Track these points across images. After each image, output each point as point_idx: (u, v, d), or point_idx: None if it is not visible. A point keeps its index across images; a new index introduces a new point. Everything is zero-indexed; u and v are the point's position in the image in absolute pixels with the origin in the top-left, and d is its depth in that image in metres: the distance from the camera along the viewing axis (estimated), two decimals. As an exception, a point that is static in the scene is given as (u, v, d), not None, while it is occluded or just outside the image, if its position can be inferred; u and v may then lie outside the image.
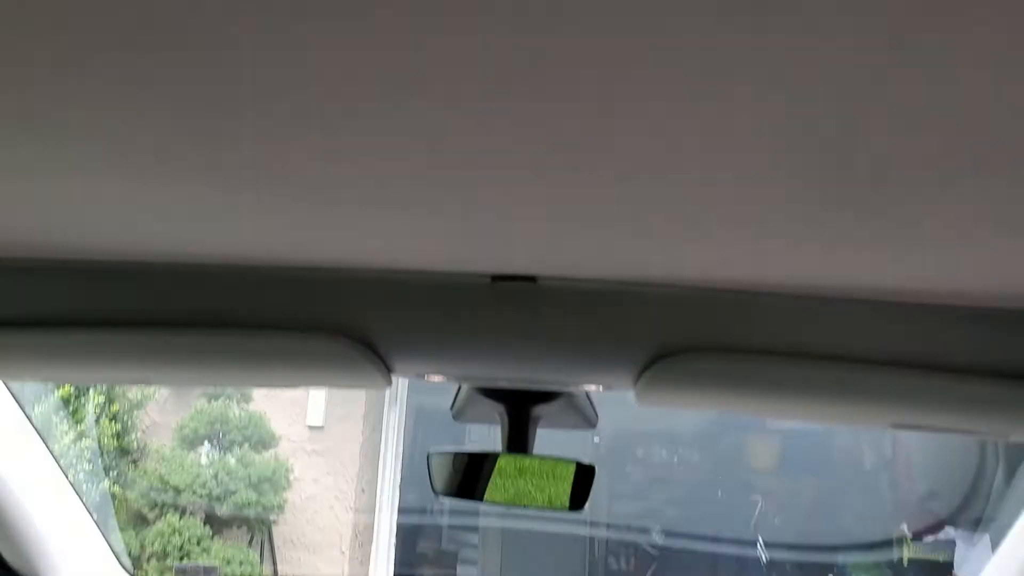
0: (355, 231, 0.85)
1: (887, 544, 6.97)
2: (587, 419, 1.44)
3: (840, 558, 6.95)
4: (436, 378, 1.18)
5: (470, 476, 1.32)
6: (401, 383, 6.58)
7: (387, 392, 6.50)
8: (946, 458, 6.82)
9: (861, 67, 0.46)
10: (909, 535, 6.74)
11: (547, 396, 1.31)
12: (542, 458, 1.28)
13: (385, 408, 6.41)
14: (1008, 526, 1.71)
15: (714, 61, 0.46)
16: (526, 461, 1.29)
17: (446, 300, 1.00)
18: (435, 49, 0.48)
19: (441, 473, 1.33)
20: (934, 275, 0.84)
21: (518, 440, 1.30)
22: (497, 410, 1.33)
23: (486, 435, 4.92)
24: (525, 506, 1.30)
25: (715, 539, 7.27)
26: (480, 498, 1.31)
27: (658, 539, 7.47)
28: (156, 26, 0.47)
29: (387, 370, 1.11)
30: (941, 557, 6.23)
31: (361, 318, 1.02)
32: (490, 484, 1.30)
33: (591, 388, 1.19)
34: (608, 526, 7.97)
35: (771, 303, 0.94)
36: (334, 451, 6.07)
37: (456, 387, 1.44)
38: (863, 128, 0.53)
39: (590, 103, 0.53)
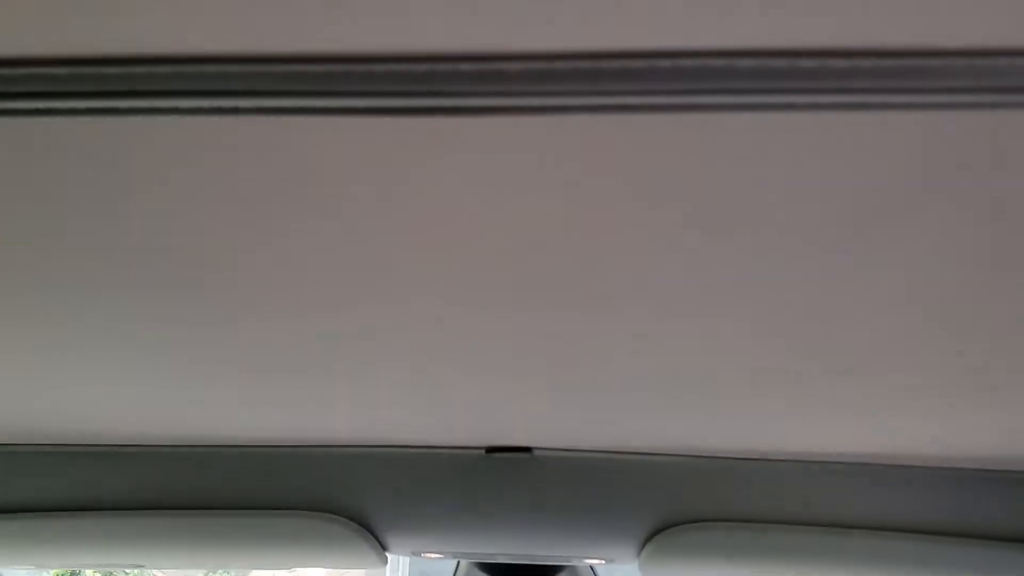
0: (348, 409, 0.85)
1: None
2: (590, 593, 1.39)
3: None
4: (432, 555, 1.15)
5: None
6: (403, 564, 6.37)
7: (387, 569, 6.29)
8: None
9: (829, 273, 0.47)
10: None
11: (549, 571, 1.27)
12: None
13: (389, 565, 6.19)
14: None
15: (699, 279, 0.48)
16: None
17: (441, 474, 0.99)
18: (421, 249, 0.49)
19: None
20: (938, 440, 0.84)
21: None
22: (496, 586, 1.29)
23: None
24: None
25: None
26: None
27: None
28: (154, 263, 0.49)
29: (382, 548, 1.08)
30: None
31: (354, 496, 1.01)
32: None
33: (593, 561, 1.15)
34: None
35: (775, 471, 0.93)
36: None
37: (455, 564, 1.40)
38: (852, 312, 0.54)
39: (585, 293, 0.55)
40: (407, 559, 6.37)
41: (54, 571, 4.87)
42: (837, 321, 0.57)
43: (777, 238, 0.46)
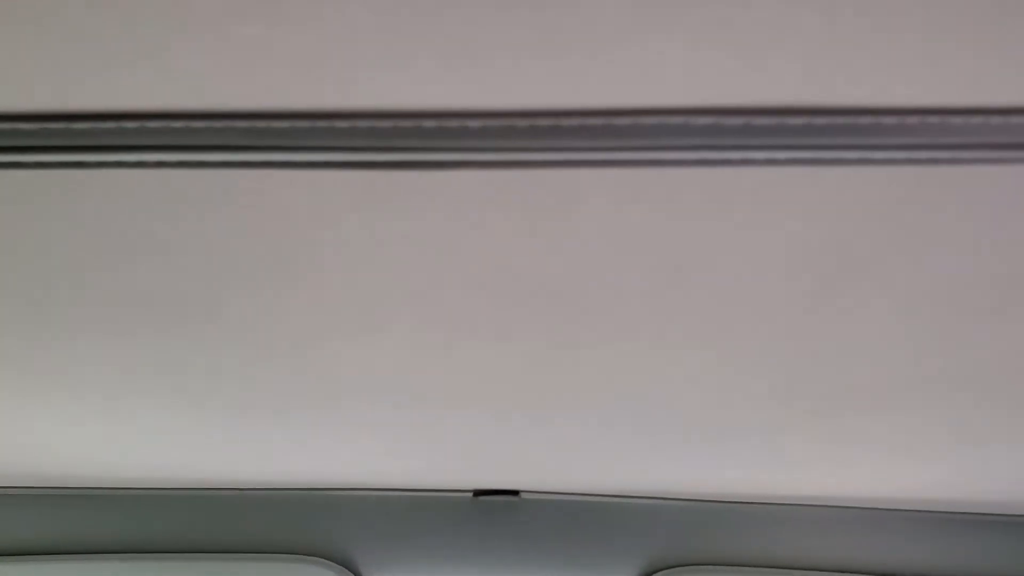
0: (334, 452, 0.85)
1: None
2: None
3: None
4: (420, 597, 1.14)
5: None
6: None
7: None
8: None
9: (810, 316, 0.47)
10: None
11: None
12: None
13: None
14: None
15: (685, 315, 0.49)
16: None
17: (428, 518, 0.99)
18: (403, 296, 0.50)
19: None
20: (927, 484, 0.83)
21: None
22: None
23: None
24: None
25: None
26: None
27: None
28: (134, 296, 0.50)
29: None
30: None
31: (341, 540, 1.00)
32: None
33: (581, 607, 1.13)
34: None
35: (764, 515, 0.93)
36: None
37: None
38: (828, 359, 0.55)
39: (565, 337, 0.55)
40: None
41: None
42: (813, 368, 0.57)
43: (749, 286, 0.46)
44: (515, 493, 0.97)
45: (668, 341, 0.54)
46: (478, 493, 0.97)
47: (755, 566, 0.95)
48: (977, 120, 0.32)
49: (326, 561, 1.00)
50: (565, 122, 0.33)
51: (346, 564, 1.01)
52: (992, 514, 0.90)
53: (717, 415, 0.67)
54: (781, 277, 0.45)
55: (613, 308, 0.50)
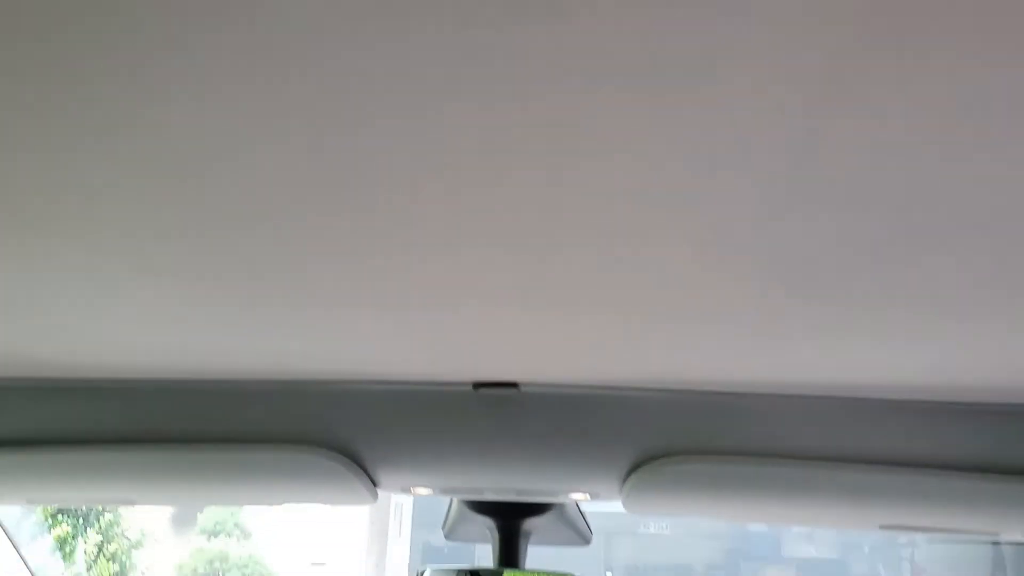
0: (336, 343, 0.85)
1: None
2: (580, 534, 1.41)
3: None
4: (422, 491, 1.17)
5: (461, 595, 1.28)
6: (405, 518, 6.45)
7: (390, 528, 6.36)
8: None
9: (813, 137, 0.47)
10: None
11: (537, 509, 1.29)
12: (536, 573, 1.25)
13: (389, 544, 6.27)
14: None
15: (677, 150, 0.49)
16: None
17: (429, 409, 0.99)
18: (404, 182, 0.51)
19: (432, 592, 1.29)
20: (917, 370, 0.83)
21: (509, 555, 1.27)
22: (487, 525, 1.31)
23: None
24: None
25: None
26: None
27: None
28: (151, 152, 0.50)
29: (372, 483, 1.09)
30: None
31: (344, 430, 1.01)
32: None
33: (578, 497, 1.17)
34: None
35: (756, 404, 0.93)
36: (336, 588, 5.90)
37: (447, 506, 1.42)
38: (829, 208, 0.54)
39: (560, 225, 0.55)
40: (408, 521, 6.43)
41: (55, 531, 4.93)
42: (794, 244, 0.57)
43: (731, 154, 0.46)
44: (514, 385, 0.97)
45: (656, 223, 0.54)
46: (477, 386, 0.98)
47: (752, 455, 0.96)
48: None
49: (329, 451, 1.02)
50: None
51: (348, 455, 1.02)
52: (990, 403, 0.91)
53: (730, 292, 0.67)
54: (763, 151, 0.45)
55: (607, 191, 0.51)
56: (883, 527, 1.11)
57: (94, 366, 0.94)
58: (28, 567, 1.81)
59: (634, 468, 1.00)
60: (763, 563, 7.57)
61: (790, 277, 0.64)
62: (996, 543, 6.37)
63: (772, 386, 0.90)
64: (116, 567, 5.32)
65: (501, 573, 1.26)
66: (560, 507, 1.33)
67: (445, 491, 1.20)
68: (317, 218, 0.57)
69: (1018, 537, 1.09)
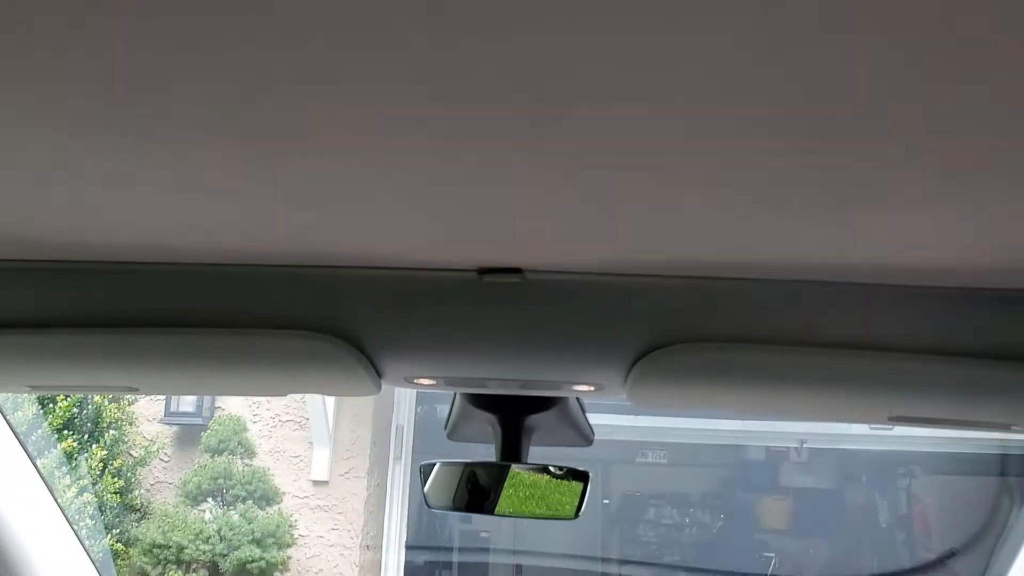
0: (339, 227, 0.84)
1: (904, 602, 6.81)
2: (582, 434, 1.42)
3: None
4: (425, 382, 1.17)
5: (465, 488, 1.29)
6: (406, 436, 6.52)
7: (392, 447, 6.44)
8: (963, 515, 6.70)
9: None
10: (926, 593, 6.58)
11: (540, 405, 1.29)
12: (537, 467, 1.26)
13: (390, 463, 6.35)
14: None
15: (689, 40, 0.47)
16: (522, 471, 1.27)
17: (433, 295, 0.98)
18: (419, 48, 0.49)
19: (434, 485, 1.30)
20: (926, 252, 0.81)
21: (512, 450, 1.28)
22: (490, 421, 1.31)
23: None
24: (525, 516, 1.27)
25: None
26: (477, 510, 1.29)
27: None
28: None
29: (376, 372, 1.09)
30: (959, 614, 6.08)
31: (348, 316, 1.00)
32: (488, 495, 1.27)
33: (582, 389, 1.17)
34: (621, 561, 7.83)
35: (763, 290, 0.91)
36: (338, 506, 5.99)
37: (449, 404, 1.42)
38: (845, 78, 0.52)
39: (575, 90, 0.54)
40: (410, 440, 6.51)
41: (61, 445, 5.00)
42: (796, 109, 0.55)
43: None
44: (518, 271, 0.96)
45: (662, 91, 0.53)
46: (482, 272, 0.97)
47: (759, 343, 0.95)
48: None
49: (332, 338, 1.01)
50: None
51: (352, 341, 1.02)
52: (1004, 288, 0.89)
53: (738, 171, 0.65)
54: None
55: (610, 60, 0.49)
56: (892, 418, 1.11)
57: (97, 248, 0.92)
58: (41, 476, 1.84)
59: (639, 357, 1.00)
60: (759, 492, 7.67)
61: (791, 151, 0.61)
62: (1000, 475, 6.43)
63: (779, 271, 0.88)
64: (121, 482, 5.41)
65: (507, 467, 1.27)
66: (563, 404, 1.33)
67: (448, 383, 1.20)
68: (317, 88, 0.56)
69: (1030, 426, 1.08)
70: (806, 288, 0.91)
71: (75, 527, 1.98)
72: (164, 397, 5.97)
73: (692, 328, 0.96)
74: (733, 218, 0.76)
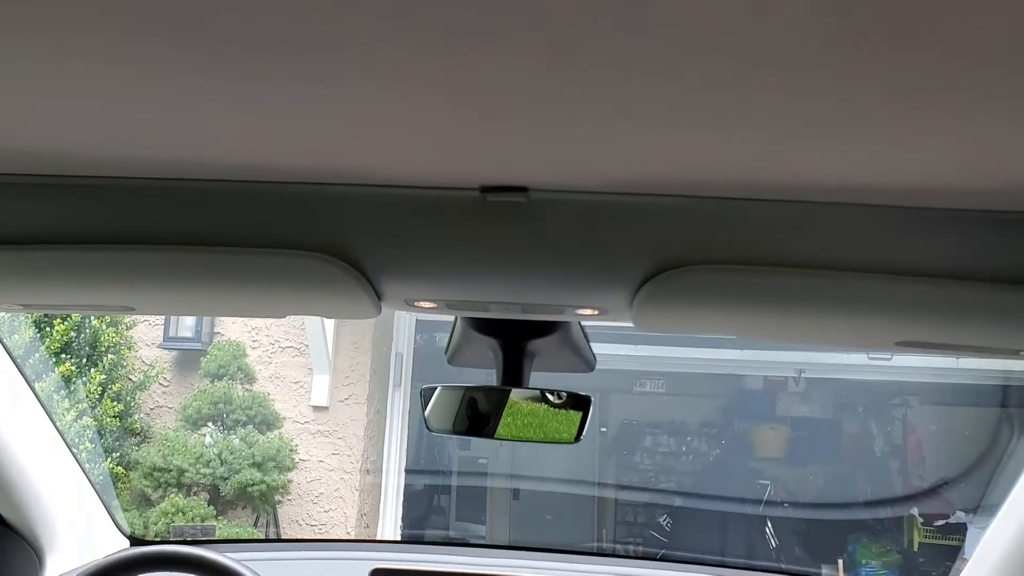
0: (339, 144, 0.81)
1: (897, 528, 6.93)
2: (584, 360, 1.40)
3: (849, 541, 6.91)
4: (426, 305, 1.14)
5: (465, 412, 1.28)
6: (406, 364, 6.56)
7: (391, 374, 6.48)
8: (959, 445, 6.78)
9: None
10: (920, 519, 6.70)
11: (542, 330, 1.27)
12: (538, 391, 1.24)
13: (390, 389, 6.40)
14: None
15: None
16: (523, 396, 1.25)
17: (434, 215, 0.95)
18: None
19: (435, 409, 1.29)
20: (935, 172, 0.79)
21: (513, 374, 1.26)
22: (491, 346, 1.29)
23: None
24: (526, 440, 1.27)
25: (723, 524, 7.24)
26: (477, 433, 1.28)
27: (666, 525, 7.45)
28: None
29: (376, 294, 1.07)
30: (952, 541, 6.19)
31: (346, 235, 0.98)
32: (489, 419, 1.26)
33: (586, 313, 1.14)
34: (618, 491, 7.96)
35: (772, 212, 0.89)
36: (339, 431, 6.05)
37: (450, 330, 1.40)
38: None
39: (567, 19, 0.53)
40: (409, 368, 6.55)
41: (60, 368, 5.02)
42: (797, 27, 0.53)
43: None
44: (523, 190, 0.93)
45: None
46: (485, 190, 0.94)
47: (767, 265, 0.93)
48: None
49: (331, 258, 0.98)
50: None
51: (351, 262, 0.99)
52: (1015, 210, 0.87)
53: (746, 85, 0.63)
54: None
55: None
56: (900, 343, 1.09)
57: (92, 163, 0.88)
58: (39, 400, 1.83)
59: (645, 281, 0.98)
60: (756, 421, 7.75)
61: (805, 65, 0.58)
62: (999, 406, 6.49)
63: (789, 192, 0.85)
64: (120, 406, 5.44)
65: (508, 392, 1.25)
66: (565, 329, 1.31)
67: (450, 306, 1.17)
68: (315, 22, 0.54)
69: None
70: (815, 210, 0.89)
71: (74, 450, 1.99)
72: (163, 321, 5.99)
73: (699, 250, 0.94)
74: (742, 138, 0.74)
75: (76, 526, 1.99)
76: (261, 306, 1.35)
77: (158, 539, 4.54)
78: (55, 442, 1.91)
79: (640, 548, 7.52)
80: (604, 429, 8.13)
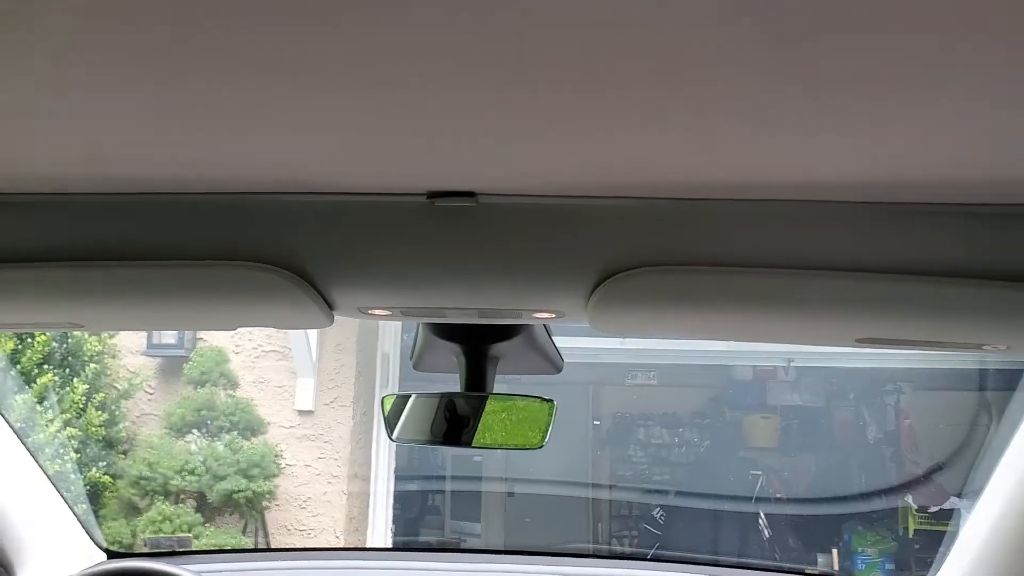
0: (283, 151, 0.79)
1: (891, 515, 6.94)
2: (551, 361, 1.36)
3: (844, 530, 6.92)
4: (379, 312, 1.11)
5: (431, 420, 1.25)
6: (392, 364, 6.54)
7: (378, 376, 6.45)
8: (950, 430, 6.79)
9: None
10: (914, 506, 6.71)
11: (504, 333, 1.24)
12: (502, 396, 1.22)
13: (376, 391, 6.37)
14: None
15: None
16: (489, 401, 1.22)
17: (381, 221, 0.93)
18: None
19: (396, 416, 1.26)
20: (891, 167, 0.77)
21: (476, 380, 1.23)
22: (454, 351, 1.26)
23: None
24: (490, 447, 1.24)
25: (717, 515, 7.25)
26: (441, 441, 1.25)
27: (660, 518, 7.46)
28: None
29: (327, 304, 1.04)
30: (946, 526, 6.19)
31: (293, 246, 0.96)
32: (454, 428, 1.23)
33: (544, 317, 1.11)
34: (611, 487, 7.97)
35: (726, 210, 0.88)
36: (324, 435, 6.02)
37: (414, 333, 1.38)
38: None
39: (530, 5, 0.52)
40: (397, 369, 6.53)
41: (41, 379, 4.98)
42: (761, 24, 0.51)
43: None
44: (471, 195, 0.91)
45: None
46: (432, 195, 0.92)
47: (723, 265, 0.92)
48: None
49: (278, 269, 0.96)
50: None
51: (299, 272, 0.97)
52: (971, 203, 0.85)
53: (695, 79, 0.62)
54: None
55: None
56: (860, 340, 1.07)
57: (33, 179, 0.87)
58: (1, 415, 1.79)
59: (599, 282, 0.96)
60: (748, 411, 7.76)
61: (753, 59, 0.58)
62: (982, 389, 6.49)
63: (742, 191, 0.83)
64: (105, 415, 5.40)
65: (470, 398, 1.23)
66: (528, 331, 1.28)
67: (404, 312, 1.15)
68: (256, 6, 0.53)
69: (1001, 346, 1.05)
70: (771, 208, 0.88)
71: (43, 465, 1.96)
72: (146, 329, 5.95)
73: (653, 252, 0.93)
74: (692, 138, 0.73)
75: (47, 541, 1.97)
76: (211, 320, 1.32)
77: (143, 551, 4.51)
78: (21, 458, 1.89)
79: (636, 540, 7.53)
80: (597, 422, 8.14)
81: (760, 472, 7.35)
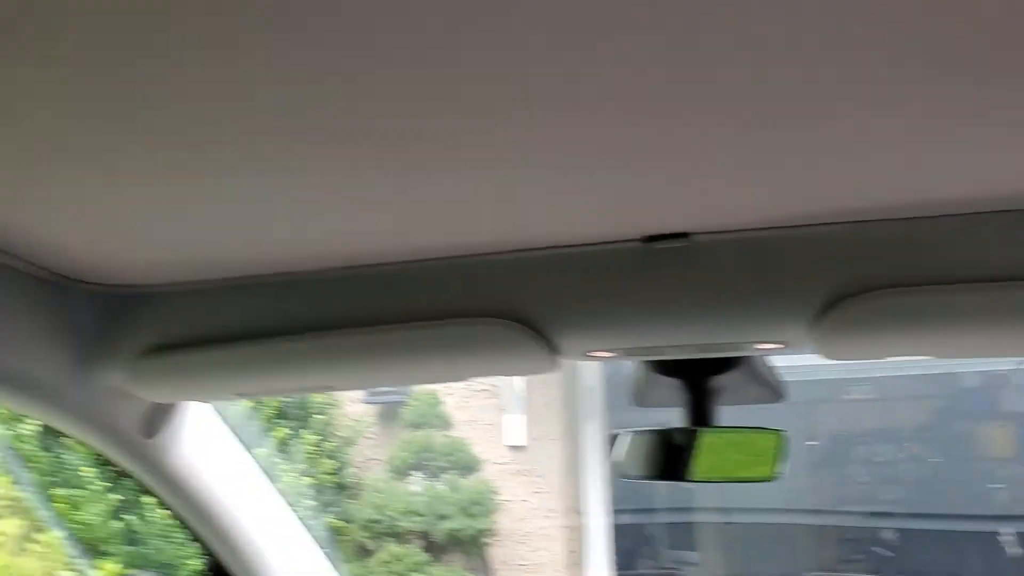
0: (504, 210, 0.86)
1: None
2: (773, 390, 1.35)
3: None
4: (601, 355, 1.15)
5: (656, 456, 1.27)
6: (598, 396, 6.55)
7: (581, 407, 6.48)
8: None
9: None
10: None
11: (724, 366, 1.25)
12: (729, 429, 1.22)
13: (581, 423, 6.40)
14: None
15: None
16: (715, 435, 1.23)
17: (601, 268, 0.99)
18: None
19: (629, 455, 1.29)
20: None
21: (700, 415, 1.24)
22: (675, 387, 1.28)
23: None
24: (720, 480, 1.24)
25: (952, 533, 6.78)
26: (670, 478, 1.26)
27: (893, 542, 7.06)
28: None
29: (551, 351, 1.09)
30: None
31: (518, 298, 1.03)
32: (680, 463, 1.24)
33: (767, 347, 1.11)
34: (834, 503, 7.62)
35: (946, 226, 0.86)
36: (537, 469, 6.10)
37: (634, 373, 1.40)
38: None
39: (733, 55, 0.55)
40: (601, 402, 6.54)
41: (276, 434, 5.33)
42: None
43: None
44: (685, 236, 0.95)
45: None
46: (648, 239, 0.96)
47: (953, 283, 0.89)
48: None
49: (506, 321, 1.03)
50: None
51: (525, 322, 1.03)
52: None
53: (904, 100, 0.62)
54: None
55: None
56: None
57: (281, 262, 1.00)
58: (260, 466, 1.95)
59: (824, 310, 0.96)
60: (978, 420, 7.23)
61: (969, 71, 0.58)
62: None
63: (959, 205, 0.83)
64: (334, 462, 5.71)
65: (696, 432, 1.24)
66: (749, 362, 1.28)
67: (626, 353, 1.18)
68: (474, 70, 0.57)
69: None
70: (990, 220, 0.86)
71: (295, 508, 2.10)
72: (363, 378, 6.25)
73: (877, 275, 0.92)
74: (907, 159, 0.73)
75: None
76: (445, 374, 1.41)
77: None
78: (278, 506, 2.04)
79: (866, 565, 7.15)
80: (813, 443, 7.81)
81: (1001, 485, 6.84)
